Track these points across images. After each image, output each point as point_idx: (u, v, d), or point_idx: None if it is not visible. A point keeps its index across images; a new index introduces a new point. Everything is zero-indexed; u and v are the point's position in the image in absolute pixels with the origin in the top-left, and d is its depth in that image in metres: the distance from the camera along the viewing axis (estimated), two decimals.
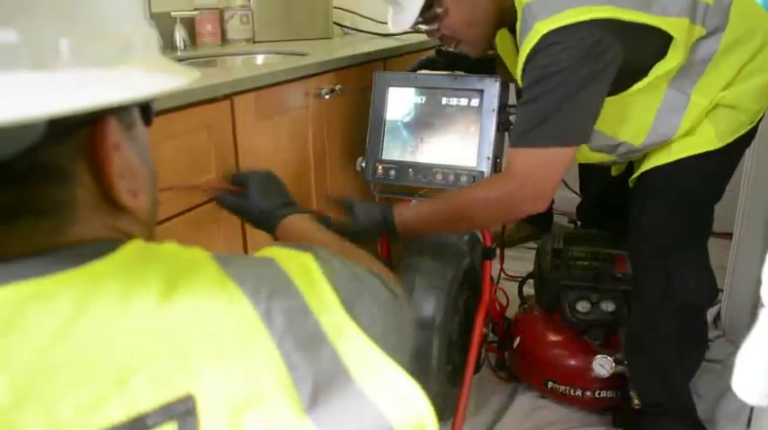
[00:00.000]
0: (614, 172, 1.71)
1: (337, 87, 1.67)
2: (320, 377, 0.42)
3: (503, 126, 1.56)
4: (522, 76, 1.28)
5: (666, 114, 1.38)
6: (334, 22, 2.34)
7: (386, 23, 2.24)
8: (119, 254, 0.44)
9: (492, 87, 1.52)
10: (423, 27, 1.42)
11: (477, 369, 1.69)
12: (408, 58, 2.04)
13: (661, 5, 1.25)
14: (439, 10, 1.36)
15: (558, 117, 1.23)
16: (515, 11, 1.30)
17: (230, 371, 0.40)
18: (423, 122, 1.60)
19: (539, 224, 2.65)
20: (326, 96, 1.63)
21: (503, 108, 1.55)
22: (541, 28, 1.21)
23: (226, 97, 1.34)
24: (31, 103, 0.35)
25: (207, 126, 1.30)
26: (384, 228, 1.31)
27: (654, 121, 1.39)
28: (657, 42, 1.28)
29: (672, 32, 1.26)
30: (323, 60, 1.66)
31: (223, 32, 2.15)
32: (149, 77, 0.42)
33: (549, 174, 1.27)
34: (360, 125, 1.73)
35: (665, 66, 1.31)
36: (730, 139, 1.40)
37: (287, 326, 0.42)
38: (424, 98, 1.60)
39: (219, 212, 1.36)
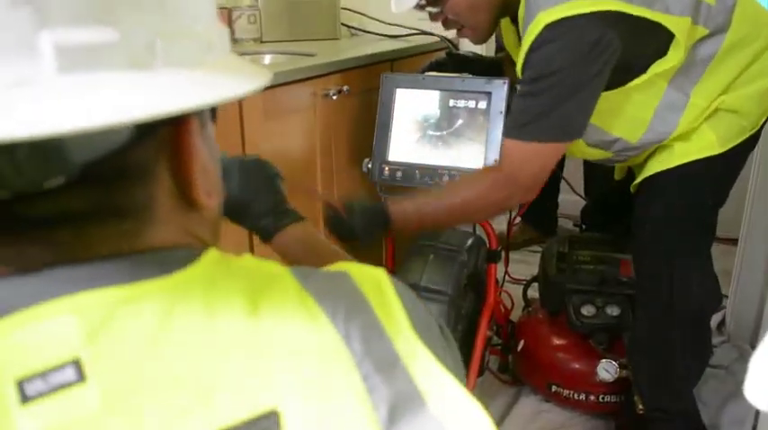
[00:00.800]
0: (618, 175, 1.71)
1: (345, 88, 1.67)
2: (396, 399, 0.42)
3: None
4: (522, 69, 1.29)
5: (664, 113, 1.38)
6: (342, 23, 2.34)
7: (394, 25, 2.27)
8: (200, 264, 0.44)
9: (500, 90, 1.52)
10: (428, 9, 1.43)
11: (481, 372, 1.69)
12: (416, 60, 2.03)
13: (664, 4, 1.25)
14: None
15: (554, 115, 1.26)
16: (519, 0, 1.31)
17: (313, 391, 0.40)
18: (430, 124, 1.60)
19: (543, 228, 2.65)
20: (334, 97, 1.64)
21: (510, 110, 1.55)
22: (544, 18, 1.22)
23: None
24: (132, 104, 0.34)
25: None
26: (381, 228, 1.32)
27: (652, 119, 1.39)
28: (658, 40, 1.29)
29: (674, 30, 1.26)
30: (330, 61, 1.66)
31: (230, 32, 2.15)
32: (234, 79, 0.42)
33: (540, 167, 1.31)
34: (366, 126, 1.73)
35: (665, 64, 1.31)
36: (732, 144, 1.39)
37: (365, 349, 0.42)
38: (431, 100, 1.60)
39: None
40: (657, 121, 1.39)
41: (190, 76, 0.39)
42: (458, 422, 0.43)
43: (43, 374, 0.36)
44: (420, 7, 1.42)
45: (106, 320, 0.38)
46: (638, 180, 1.50)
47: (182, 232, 0.47)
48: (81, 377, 0.36)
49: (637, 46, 1.26)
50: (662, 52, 1.30)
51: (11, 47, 0.33)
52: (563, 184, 2.45)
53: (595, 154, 1.52)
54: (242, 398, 0.39)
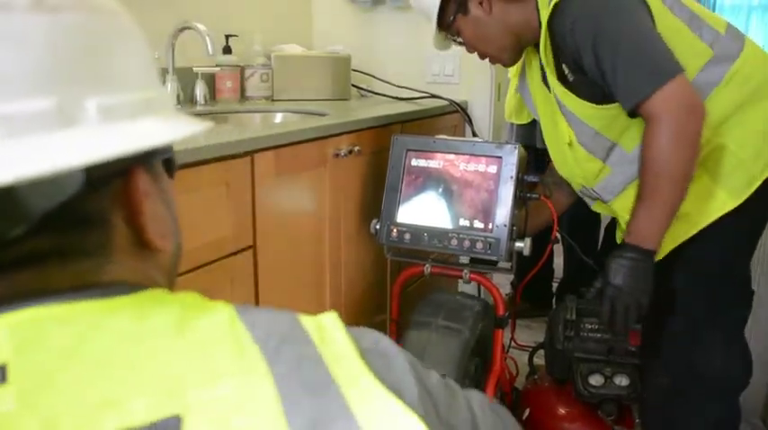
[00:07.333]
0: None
1: (356, 148, 1.67)
2: (318, 415, 0.42)
3: (520, 193, 1.56)
4: (578, 49, 1.34)
5: None
6: (352, 85, 2.37)
7: (403, 88, 2.31)
8: (140, 294, 0.48)
9: (511, 155, 1.53)
10: (458, 40, 1.57)
11: None
12: (426, 122, 2.05)
13: (669, 3, 1.37)
14: (454, 24, 1.52)
15: (640, 60, 1.29)
16: (537, 25, 1.42)
17: (221, 404, 0.42)
18: (439, 187, 1.60)
19: (535, 300, 2.57)
20: (345, 157, 1.64)
21: (521, 179, 1.55)
22: None
23: (246, 154, 1.34)
24: (62, 156, 0.40)
25: (226, 182, 1.30)
26: (644, 265, 1.34)
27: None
28: None
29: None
30: (342, 121, 1.67)
31: (242, 89, 2.18)
32: (168, 126, 0.48)
33: (686, 98, 1.28)
34: (376, 186, 1.73)
35: None
36: (745, 196, 1.37)
37: (292, 370, 0.44)
38: (441, 163, 1.60)
39: (233, 270, 1.35)
40: None
41: (123, 129, 0.45)
42: None
43: None
44: (454, 41, 1.58)
45: (35, 334, 0.43)
46: (661, 257, 1.44)
47: (136, 273, 0.52)
48: (3, 379, 0.41)
49: None
50: None
51: None
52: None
53: (590, 164, 1.49)
54: (151, 402, 0.41)
